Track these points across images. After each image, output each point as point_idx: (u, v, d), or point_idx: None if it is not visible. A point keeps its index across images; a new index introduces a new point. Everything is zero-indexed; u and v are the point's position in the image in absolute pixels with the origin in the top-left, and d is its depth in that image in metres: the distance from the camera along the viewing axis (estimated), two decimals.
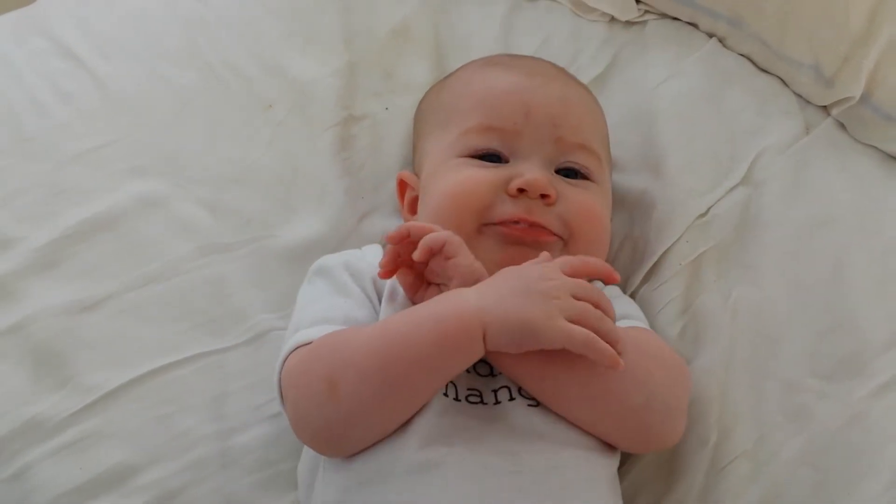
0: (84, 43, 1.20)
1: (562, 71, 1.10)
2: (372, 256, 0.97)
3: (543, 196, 0.96)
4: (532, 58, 1.13)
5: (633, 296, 1.09)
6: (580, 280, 0.86)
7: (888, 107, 1.11)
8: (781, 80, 1.17)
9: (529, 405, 0.88)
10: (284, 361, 0.89)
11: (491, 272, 0.88)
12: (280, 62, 1.19)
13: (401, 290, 0.92)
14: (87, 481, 0.96)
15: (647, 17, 1.24)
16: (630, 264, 1.11)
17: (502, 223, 0.96)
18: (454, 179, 0.98)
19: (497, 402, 0.88)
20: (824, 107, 1.16)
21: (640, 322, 0.99)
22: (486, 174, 0.97)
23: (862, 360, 1.00)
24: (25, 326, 1.02)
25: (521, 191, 0.96)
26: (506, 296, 0.83)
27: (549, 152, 0.99)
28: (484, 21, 1.25)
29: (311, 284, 0.98)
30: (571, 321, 0.82)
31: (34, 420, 0.98)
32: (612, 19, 1.24)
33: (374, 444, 0.85)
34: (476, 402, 0.88)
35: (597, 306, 0.84)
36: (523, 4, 1.26)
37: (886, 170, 1.12)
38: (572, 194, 0.98)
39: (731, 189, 1.10)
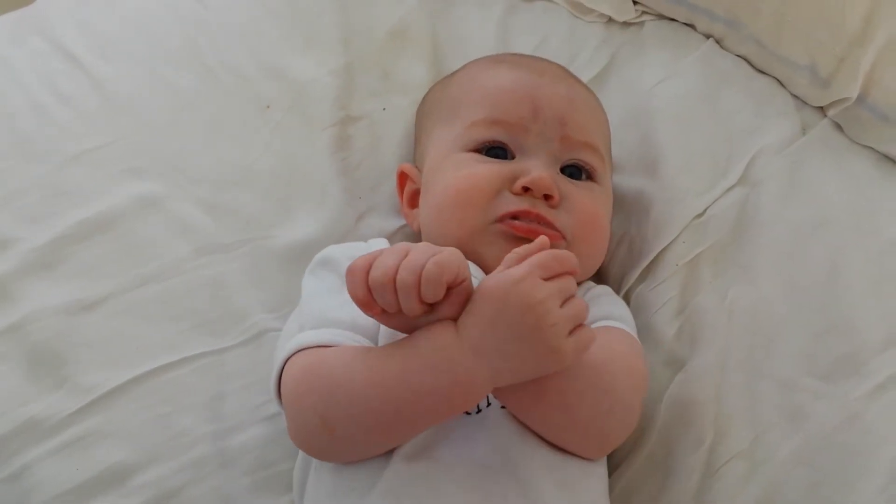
0: (83, 44, 1.20)
1: (568, 72, 1.11)
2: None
3: (547, 197, 0.96)
4: (539, 58, 1.13)
5: (629, 295, 1.09)
6: (557, 279, 0.80)
7: (884, 107, 1.11)
8: (778, 80, 1.18)
9: (502, 407, 0.87)
10: (286, 361, 0.88)
11: (492, 265, 0.87)
12: (278, 63, 1.19)
13: None
14: (86, 481, 0.96)
15: (644, 17, 1.25)
16: (626, 264, 1.11)
17: (506, 219, 0.95)
18: (459, 175, 0.98)
19: (478, 411, 0.87)
20: (821, 108, 1.16)
21: (622, 324, 0.97)
22: (490, 169, 0.97)
23: (858, 360, 1.00)
24: (23, 326, 1.02)
25: (525, 189, 0.95)
26: (506, 345, 0.78)
27: (554, 150, 0.99)
28: (481, 22, 1.25)
29: (317, 276, 0.95)
30: (571, 331, 0.79)
31: (32, 420, 0.98)
32: (610, 20, 1.25)
33: None
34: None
35: (572, 288, 0.81)
36: (520, 5, 1.26)
37: (882, 170, 1.13)
38: (577, 197, 0.98)
39: (728, 189, 1.10)
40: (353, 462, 0.86)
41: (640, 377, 0.93)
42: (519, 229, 0.95)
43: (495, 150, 0.99)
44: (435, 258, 0.77)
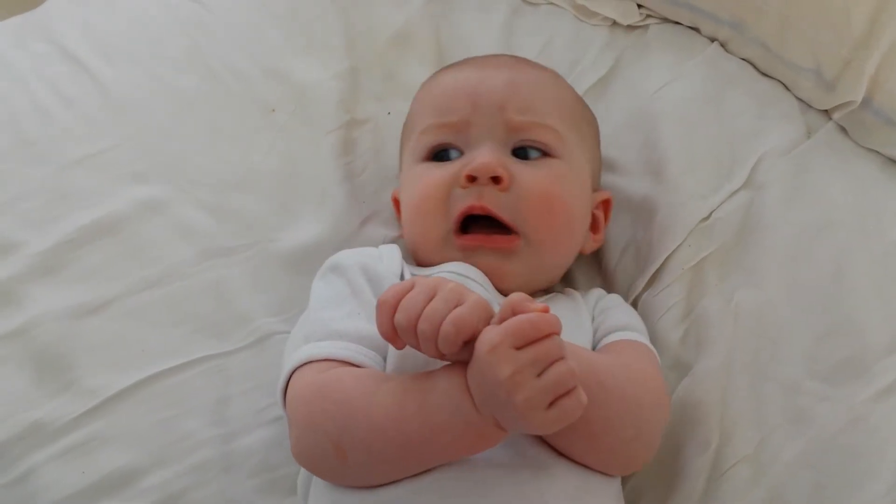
0: (86, 47, 1.20)
1: (519, 59, 1.10)
2: (389, 260, 0.95)
3: (496, 180, 0.95)
4: (492, 55, 1.13)
5: (635, 301, 1.09)
6: (534, 345, 0.75)
7: (889, 111, 1.11)
8: (783, 84, 1.17)
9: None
10: (293, 372, 0.86)
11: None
12: (282, 66, 1.19)
13: None
14: (90, 485, 0.96)
15: (648, 21, 1.24)
16: (633, 269, 1.11)
17: (457, 232, 0.96)
18: (414, 189, 1.00)
19: None
20: (825, 111, 1.15)
21: (638, 334, 0.98)
22: (439, 173, 0.98)
23: (863, 363, 1.00)
24: (28, 330, 1.02)
25: (472, 179, 0.95)
26: (494, 408, 0.76)
27: (500, 135, 0.99)
28: (485, 25, 1.25)
29: (326, 282, 0.94)
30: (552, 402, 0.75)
31: (37, 424, 0.98)
32: (614, 23, 1.25)
33: None
34: None
35: (552, 354, 0.75)
36: (525, 8, 1.26)
37: (887, 173, 1.12)
38: (527, 175, 0.97)
39: (734, 193, 1.10)
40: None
41: (665, 401, 0.93)
42: (470, 243, 0.96)
43: (445, 153, 1.00)
44: (453, 316, 0.75)
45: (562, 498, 0.83)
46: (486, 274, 0.96)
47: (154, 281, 1.06)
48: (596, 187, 1.08)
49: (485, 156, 0.96)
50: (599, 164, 1.11)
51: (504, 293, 0.96)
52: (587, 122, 1.08)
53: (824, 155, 1.12)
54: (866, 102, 1.11)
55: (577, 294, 1.04)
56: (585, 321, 0.99)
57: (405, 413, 0.79)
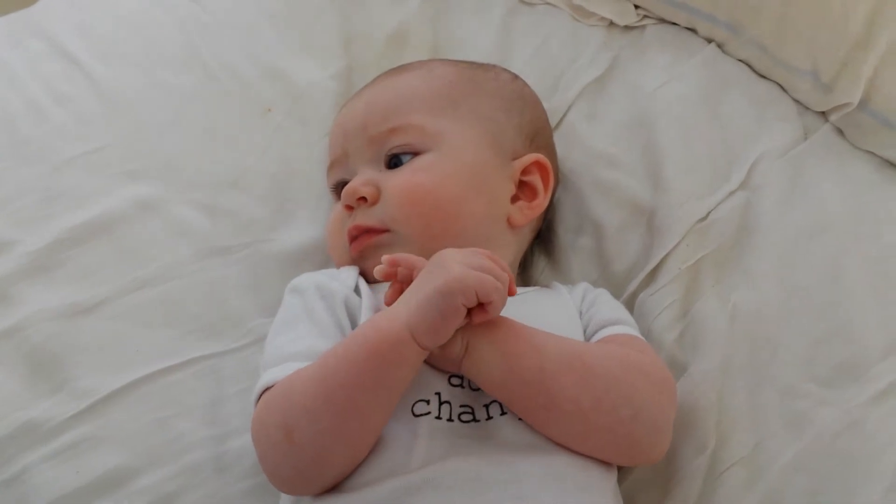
0: (81, 46, 1.19)
1: (391, 72, 1.10)
2: (345, 276, 0.97)
3: (363, 200, 0.98)
4: (372, 80, 1.11)
5: (632, 300, 1.08)
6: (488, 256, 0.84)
7: (886, 113, 1.10)
8: (780, 85, 1.17)
9: (521, 419, 0.87)
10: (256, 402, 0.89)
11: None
12: (278, 66, 1.19)
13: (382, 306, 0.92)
14: (83, 486, 0.95)
15: (645, 21, 1.24)
16: (630, 267, 1.10)
17: (350, 244, 0.99)
18: (326, 229, 1.06)
19: (489, 418, 0.87)
20: (822, 112, 1.15)
21: (630, 328, 0.98)
22: (336, 210, 1.03)
23: (860, 366, 1.00)
24: (21, 330, 1.01)
25: (350, 207, 0.99)
26: (420, 283, 0.82)
27: (368, 155, 1.02)
28: (482, 25, 1.25)
29: (285, 305, 0.96)
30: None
31: (30, 424, 0.97)
32: (611, 24, 1.24)
33: (366, 469, 0.84)
34: (469, 420, 0.86)
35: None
36: (521, 8, 1.26)
37: (884, 175, 1.12)
38: (391, 181, 0.98)
39: (731, 194, 1.09)
40: (353, 479, 0.84)
41: (666, 387, 0.92)
42: (354, 250, 0.99)
43: (342, 188, 1.02)
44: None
45: (534, 485, 0.83)
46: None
47: (148, 281, 1.06)
48: (519, 154, 1.04)
49: (351, 183, 0.99)
50: (520, 130, 1.06)
51: None
52: (477, 96, 1.05)
53: (821, 157, 1.12)
54: (863, 104, 1.11)
55: (562, 288, 1.04)
56: (573, 315, 0.99)
57: (327, 363, 0.83)
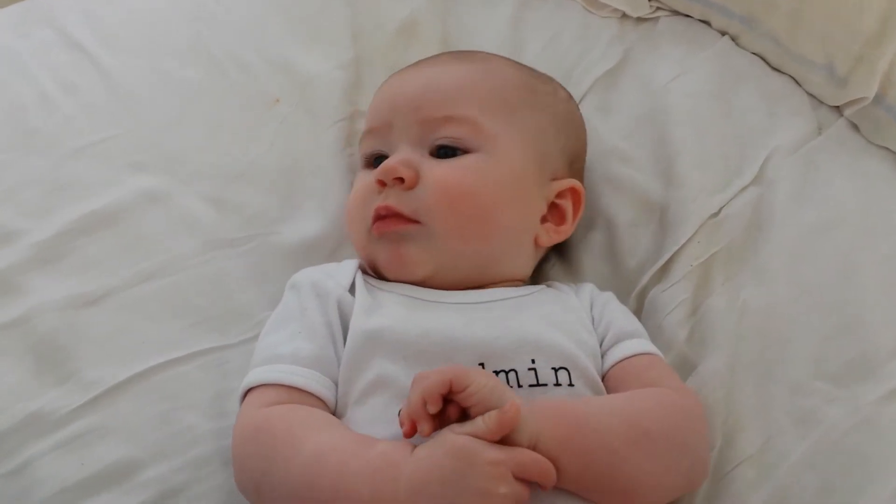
0: (89, 35, 1.20)
1: (455, 55, 1.10)
2: (342, 274, 0.97)
3: (400, 180, 0.96)
4: (434, 56, 1.11)
5: (642, 296, 1.08)
6: (519, 453, 0.79)
7: None
8: (794, 79, 1.16)
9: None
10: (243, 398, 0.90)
11: (385, 270, 0.95)
12: (285, 57, 1.19)
13: (375, 307, 0.92)
14: (89, 477, 0.95)
15: (658, 13, 1.24)
16: (642, 263, 1.10)
17: (374, 223, 0.97)
18: (349, 197, 1.03)
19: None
20: (837, 107, 1.15)
21: (647, 342, 0.98)
22: (365, 180, 1.00)
23: (871, 364, 0.99)
24: (27, 321, 1.01)
25: (382, 183, 0.97)
26: (444, 486, 0.77)
27: (415, 135, 0.99)
28: (492, 16, 1.24)
29: (283, 301, 0.97)
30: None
31: (36, 415, 0.97)
32: (624, 16, 1.24)
33: None
34: None
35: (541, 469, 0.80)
36: (533, 0, 1.25)
37: None
38: (436, 171, 0.97)
39: (743, 189, 1.09)
40: None
41: (700, 411, 0.94)
42: (377, 230, 0.97)
43: (378, 159, 1.01)
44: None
45: None
46: (389, 262, 0.97)
47: (155, 272, 1.05)
48: (558, 175, 1.04)
49: (391, 159, 0.97)
50: (564, 152, 1.06)
51: (422, 284, 0.97)
52: (534, 108, 1.04)
53: (835, 152, 1.11)
54: (878, 99, 1.10)
55: (566, 287, 1.03)
56: (583, 318, 0.98)
57: (323, 470, 0.81)
